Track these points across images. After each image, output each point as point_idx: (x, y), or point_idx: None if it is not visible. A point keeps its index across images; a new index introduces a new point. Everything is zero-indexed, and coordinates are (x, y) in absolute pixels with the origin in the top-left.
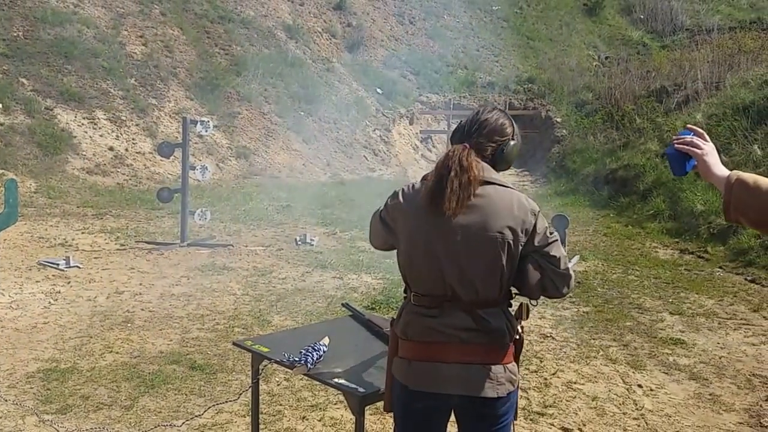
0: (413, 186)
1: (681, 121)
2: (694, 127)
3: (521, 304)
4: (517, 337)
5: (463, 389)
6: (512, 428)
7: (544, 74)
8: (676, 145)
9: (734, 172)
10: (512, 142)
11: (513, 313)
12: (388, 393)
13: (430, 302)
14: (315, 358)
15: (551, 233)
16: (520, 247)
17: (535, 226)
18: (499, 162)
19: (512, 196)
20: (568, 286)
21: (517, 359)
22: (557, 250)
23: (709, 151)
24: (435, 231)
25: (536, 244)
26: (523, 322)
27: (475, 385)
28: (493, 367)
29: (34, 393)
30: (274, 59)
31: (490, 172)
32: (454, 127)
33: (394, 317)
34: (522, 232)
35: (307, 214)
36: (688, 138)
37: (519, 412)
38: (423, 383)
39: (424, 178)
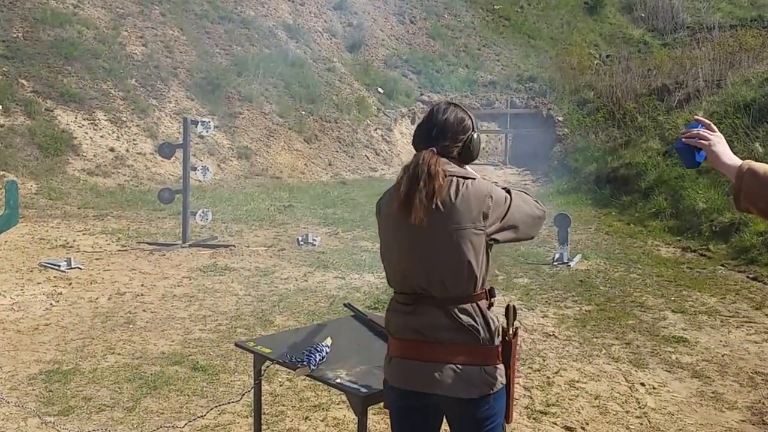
0: (390, 188)
1: (682, 119)
2: (702, 119)
3: (507, 306)
4: (506, 338)
5: (435, 388)
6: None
7: (546, 73)
8: (684, 139)
9: (746, 161)
10: (475, 135)
11: (494, 313)
12: (385, 392)
13: (406, 299)
14: (318, 359)
15: (507, 197)
16: (483, 234)
17: (491, 206)
18: (466, 157)
19: (470, 187)
20: (540, 223)
21: (509, 362)
22: (519, 208)
23: (717, 141)
24: (405, 233)
25: (499, 219)
26: (517, 324)
27: (447, 385)
28: (465, 367)
29: (36, 395)
30: (275, 59)
31: (452, 167)
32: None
33: None
34: (481, 218)
35: (309, 214)
36: (696, 130)
37: (522, 410)
38: (399, 380)
39: (396, 183)
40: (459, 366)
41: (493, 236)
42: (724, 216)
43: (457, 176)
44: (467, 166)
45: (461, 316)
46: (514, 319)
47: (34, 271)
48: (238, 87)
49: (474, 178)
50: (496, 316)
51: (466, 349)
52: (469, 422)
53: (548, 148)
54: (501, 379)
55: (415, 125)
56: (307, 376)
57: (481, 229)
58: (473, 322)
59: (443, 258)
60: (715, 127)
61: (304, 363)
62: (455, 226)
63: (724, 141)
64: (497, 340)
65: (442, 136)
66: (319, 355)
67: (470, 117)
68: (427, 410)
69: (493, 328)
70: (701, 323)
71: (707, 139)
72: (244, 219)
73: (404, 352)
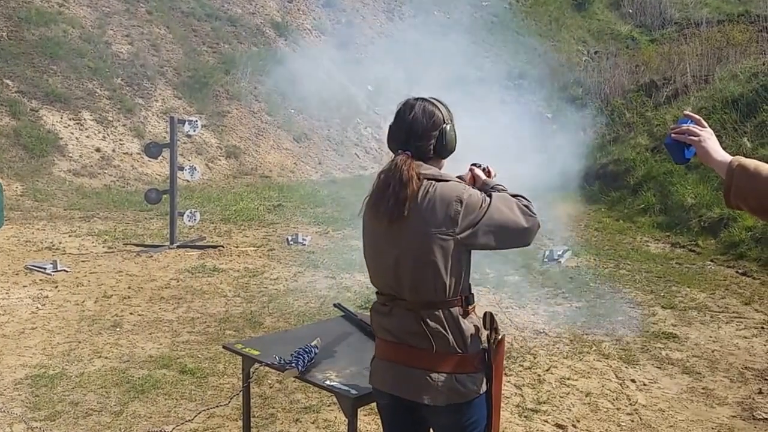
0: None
1: (671, 115)
2: (692, 114)
3: (485, 313)
4: (484, 346)
5: (401, 391)
6: None
7: (534, 70)
8: (673, 135)
9: (736, 157)
10: (448, 127)
11: (472, 320)
12: None
13: (384, 300)
14: (307, 360)
15: (485, 200)
16: (452, 240)
17: (460, 211)
18: (442, 152)
19: (438, 190)
20: (528, 233)
21: (492, 371)
22: (499, 213)
23: (707, 137)
24: (379, 237)
25: (472, 224)
26: (503, 332)
27: (414, 390)
28: (433, 374)
29: (22, 400)
30: (263, 57)
31: (428, 169)
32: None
33: None
34: (449, 223)
35: (299, 214)
36: (685, 126)
37: (513, 409)
38: (378, 382)
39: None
40: (428, 372)
41: (465, 242)
42: (712, 211)
43: (429, 178)
44: (444, 162)
45: (430, 322)
46: (492, 327)
47: (20, 273)
48: (226, 85)
49: (447, 180)
50: (475, 323)
51: (435, 355)
52: (443, 430)
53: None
54: (476, 388)
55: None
56: (296, 378)
57: (449, 235)
58: (441, 329)
59: (411, 263)
60: (705, 123)
61: (293, 365)
62: (422, 230)
63: (714, 137)
64: (473, 348)
65: (414, 136)
66: (308, 356)
67: (440, 108)
68: (403, 412)
69: (467, 335)
70: (691, 319)
71: (697, 135)
72: (232, 219)
73: (382, 353)
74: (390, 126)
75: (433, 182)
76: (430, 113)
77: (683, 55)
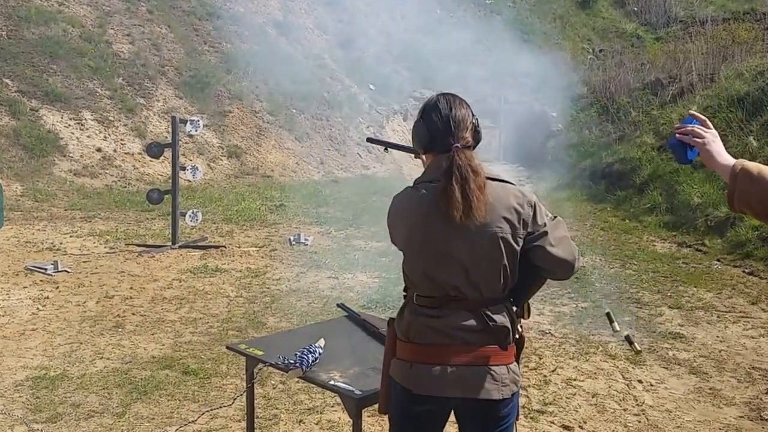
0: (408, 193)
1: (676, 114)
2: (697, 114)
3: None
4: (518, 336)
5: (466, 392)
6: (515, 428)
7: (539, 68)
8: (677, 135)
9: (739, 161)
10: (476, 119)
11: (515, 311)
12: (384, 395)
13: (434, 303)
14: (311, 361)
15: (553, 218)
16: (521, 241)
17: (534, 216)
18: (476, 143)
19: (508, 191)
20: (568, 270)
21: (518, 359)
22: (556, 236)
23: (711, 139)
24: (442, 236)
25: (537, 233)
26: (523, 321)
27: (479, 388)
28: (496, 368)
29: (23, 402)
30: (265, 56)
31: (488, 169)
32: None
33: (393, 317)
34: (520, 225)
35: (301, 214)
36: (690, 127)
37: (519, 410)
38: (425, 387)
39: (417, 183)
40: (489, 367)
41: (530, 244)
42: (719, 210)
43: (495, 179)
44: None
45: (493, 316)
46: (528, 316)
47: (20, 274)
48: (228, 85)
49: (503, 180)
50: (515, 313)
51: (494, 349)
52: (493, 422)
53: (542, 144)
54: (521, 375)
55: (415, 125)
56: (300, 378)
57: (520, 237)
58: (504, 323)
59: (485, 263)
60: (710, 123)
61: (297, 365)
62: (492, 228)
63: (719, 139)
64: (513, 338)
65: (461, 128)
66: (312, 356)
67: (465, 102)
68: (441, 415)
69: (515, 327)
70: (698, 319)
71: (701, 137)
72: (234, 219)
73: (429, 357)
74: (423, 122)
75: (499, 182)
76: (466, 105)
77: (689, 54)
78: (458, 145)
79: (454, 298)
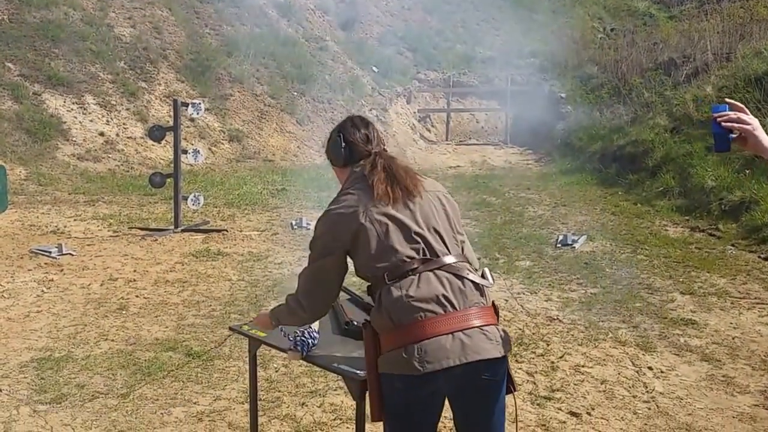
0: (339, 200)
1: (690, 95)
2: (732, 101)
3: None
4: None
5: (468, 355)
6: (515, 402)
7: (547, 48)
8: (723, 124)
9: None
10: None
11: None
12: (376, 399)
13: (405, 274)
14: (310, 345)
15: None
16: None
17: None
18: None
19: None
20: None
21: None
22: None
23: (757, 125)
24: (399, 215)
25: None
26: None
27: (479, 349)
28: (488, 328)
29: (28, 383)
30: (266, 39)
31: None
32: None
33: (367, 319)
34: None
35: (303, 198)
36: (733, 115)
37: (526, 396)
38: (430, 361)
39: (343, 195)
40: (483, 327)
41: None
42: (734, 194)
43: None
44: None
45: (469, 275)
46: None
47: (25, 257)
48: (229, 68)
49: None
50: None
51: (479, 312)
52: (492, 388)
53: (551, 127)
54: (509, 343)
55: (332, 142)
56: (303, 360)
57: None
58: (483, 282)
59: (433, 219)
60: (748, 111)
61: (298, 348)
62: (435, 195)
63: (760, 125)
64: None
65: (376, 141)
66: (312, 341)
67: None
68: (441, 397)
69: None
70: (711, 305)
71: (748, 123)
72: (236, 203)
73: (423, 333)
74: (343, 135)
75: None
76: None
77: (704, 32)
78: (376, 150)
79: (430, 264)
